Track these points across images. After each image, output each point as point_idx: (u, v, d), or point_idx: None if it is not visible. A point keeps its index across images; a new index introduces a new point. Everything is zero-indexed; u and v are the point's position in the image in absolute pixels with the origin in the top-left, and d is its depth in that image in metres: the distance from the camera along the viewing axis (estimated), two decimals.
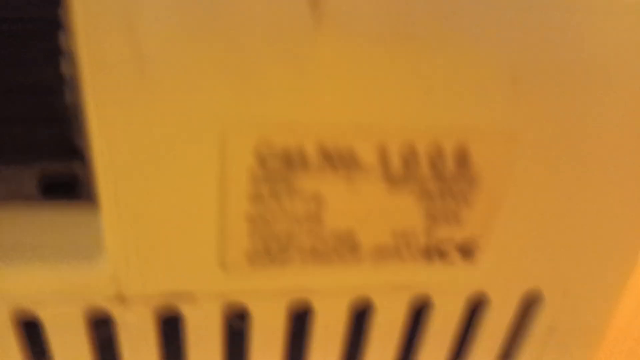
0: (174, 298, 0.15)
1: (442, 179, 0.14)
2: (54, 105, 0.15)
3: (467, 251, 0.15)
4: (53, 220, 0.15)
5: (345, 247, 0.14)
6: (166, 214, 0.13)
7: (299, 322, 0.16)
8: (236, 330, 0.16)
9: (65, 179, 0.16)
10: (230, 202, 0.13)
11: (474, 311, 0.17)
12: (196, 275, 0.14)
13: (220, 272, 0.14)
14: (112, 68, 0.11)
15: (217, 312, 0.15)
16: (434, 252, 0.15)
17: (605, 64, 0.13)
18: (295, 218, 0.14)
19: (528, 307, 0.18)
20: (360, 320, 0.16)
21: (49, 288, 0.14)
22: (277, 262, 0.14)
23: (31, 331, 0.15)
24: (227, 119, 0.12)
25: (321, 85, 0.12)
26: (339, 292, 0.15)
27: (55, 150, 0.15)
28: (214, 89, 0.11)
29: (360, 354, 0.17)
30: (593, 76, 0.13)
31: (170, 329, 0.16)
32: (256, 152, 0.12)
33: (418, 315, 0.17)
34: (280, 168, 0.13)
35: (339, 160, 0.13)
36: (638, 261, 0.19)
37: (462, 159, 0.13)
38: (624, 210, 0.15)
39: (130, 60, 0.11)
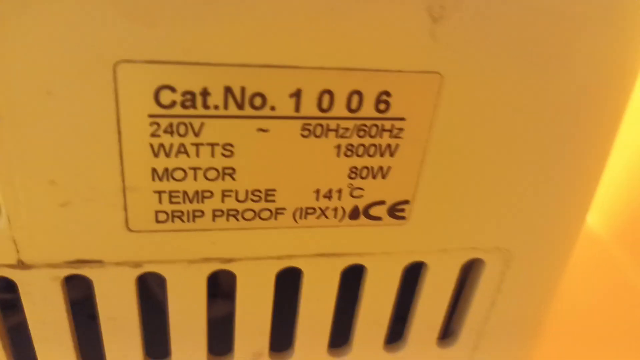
0: (80, 265, 0.13)
1: (364, 129, 0.13)
2: None
3: (397, 211, 0.14)
4: None
5: (266, 210, 0.13)
6: (60, 169, 0.12)
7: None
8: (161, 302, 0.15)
9: None
10: (131, 154, 0.12)
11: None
12: (102, 240, 0.13)
13: (128, 236, 0.13)
14: None
15: (129, 280, 0.14)
16: (361, 214, 0.14)
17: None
18: (204, 173, 0.13)
19: (470, 280, 0.17)
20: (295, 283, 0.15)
21: None
22: (189, 224, 0.13)
23: None
24: (120, 55, 0.11)
25: (227, 19, 0.11)
26: (261, 259, 0.14)
27: None
28: (102, 17, 0.10)
29: (293, 320, 0.16)
30: (523, 10, 0.12)
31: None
32: (156, 96, 0.11)
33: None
34: (183, 114, 0.12)
35: (249, 106, 0.12)
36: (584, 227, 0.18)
37: (384, 105, 0.12)
38: (565, 164, 0.14)
39: None
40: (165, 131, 0.12)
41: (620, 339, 0.25)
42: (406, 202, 0.14)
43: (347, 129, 0.13)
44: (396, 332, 0.17)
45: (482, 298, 0.17)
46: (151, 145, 0.12)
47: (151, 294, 0.17)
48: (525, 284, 0.17)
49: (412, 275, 0.16)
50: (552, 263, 0.17)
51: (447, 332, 0.18)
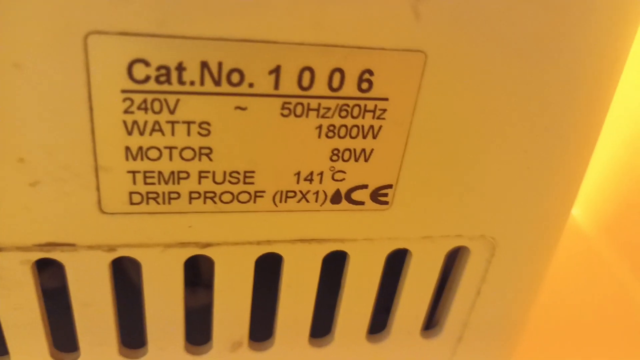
0: (51, 249, 0.13)
1: (346, 109, 0.12)
2: None
3: (380, 196, 0.14)
4: None
5: (244, 192, 0.13)
6: (29, 147, 0.11)
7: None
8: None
9: None
10: (104, 132, 0.12)
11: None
12: (74, 223, 0.13)
13: (101, 219, 0.13)
14: None
15: (103, 264, 0.13)
16: (343, 198, 0.14)
17: None
18: (180, 153, 0.12)
19: (455, 269, 0.17)
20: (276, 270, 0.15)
21: None
22: (165, 206, 0.13)
23: None
24: (91, 26, 0.10)
25: None
26: (239, 244, 0.14)
27: None
28: None
29: (273, 309, 0.16)
30: None
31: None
32: (129, 70, 0.11)
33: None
34: (158, 90, 0.11)
35: (226, 82, 0.11)
36: (571, 215, 0.18)
37: (366, 84, 0.12)
38: (551, 151, 0.14)
39: None
40: (139, 108, 0.11)
41: (605, 333, 0.25)
42: (389, 186, 0.14)
43: (328, 108, 0.12)
44: (380, 323, 0.17)
45: (467, 287, 0.16)
46: (124, 123, 0.12)
47: (128, 279, 0.16)
48: (511, 274, 0.17)
49: (397, 264, 0.16)
50: (538, 252, 0.17)
51: (432, 323, 0.18)
